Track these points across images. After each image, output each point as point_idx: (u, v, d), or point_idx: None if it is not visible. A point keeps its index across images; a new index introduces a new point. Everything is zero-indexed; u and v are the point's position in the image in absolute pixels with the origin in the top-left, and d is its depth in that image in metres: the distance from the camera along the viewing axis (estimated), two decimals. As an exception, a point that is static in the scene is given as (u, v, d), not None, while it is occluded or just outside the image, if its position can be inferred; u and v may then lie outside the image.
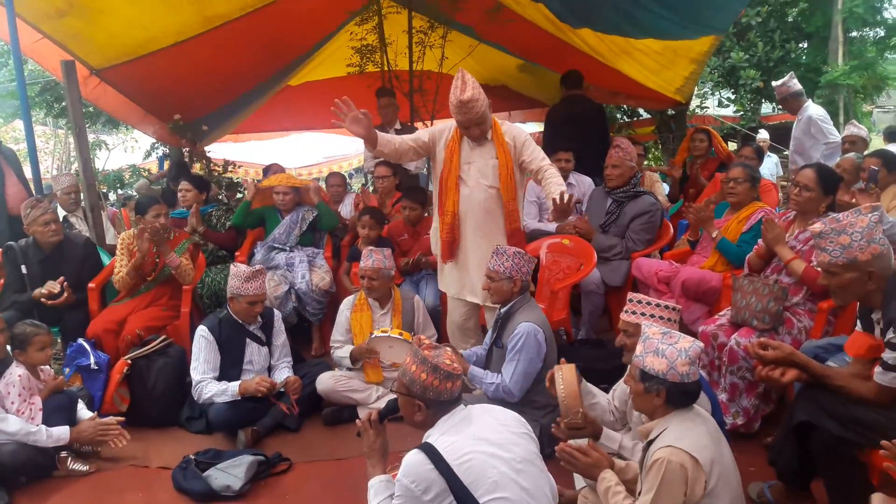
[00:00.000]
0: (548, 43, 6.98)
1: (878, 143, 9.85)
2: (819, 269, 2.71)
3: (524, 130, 3.91)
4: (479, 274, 3.89)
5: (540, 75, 8.11)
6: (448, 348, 2.48)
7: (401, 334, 3.88)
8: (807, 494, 2.90)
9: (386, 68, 7.23)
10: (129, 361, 4.07)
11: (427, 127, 7.29)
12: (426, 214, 5.19)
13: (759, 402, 3.58)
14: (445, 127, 4.04)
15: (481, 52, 7.58)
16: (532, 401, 3.44)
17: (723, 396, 3.56)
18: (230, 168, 7.79)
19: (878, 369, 2.51)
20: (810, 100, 6.16)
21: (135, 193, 8.17)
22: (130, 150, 13.95)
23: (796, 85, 6.16)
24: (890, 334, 2.44)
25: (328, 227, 5.54)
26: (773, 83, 6.37)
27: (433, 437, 2.26)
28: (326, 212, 5.50)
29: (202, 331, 4.01)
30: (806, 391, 2.74)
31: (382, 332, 3.93)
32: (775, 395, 3.70)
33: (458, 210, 3.95)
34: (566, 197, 3.54)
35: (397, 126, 6.38)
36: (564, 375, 2.90)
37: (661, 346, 2.37)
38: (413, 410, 2.36)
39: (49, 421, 3.49)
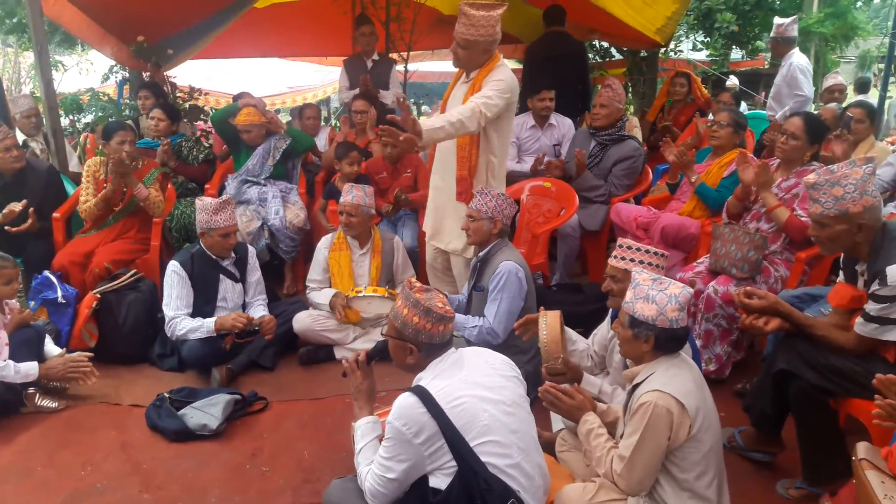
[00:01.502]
0: (531, -27, 6.79)
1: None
2: (810, 219, 2.71)
3: (505, 74, 3.61)
4: (434, 214, 3.90)
5: (516, 10, 7.88)
6: (439, 292, 2.45)
7: (374, 291, 3.83)
8: (776, 440, 2.99)
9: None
10: (98, 296, 3.96)
11: (402, 60, 7.13)
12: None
13: (731, 350, 3.66)
14: None
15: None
16: (513, 346, 3.43)
17: (697, 343, 3.62)
18: (196, 95, 7.48)
19: (859, 320, 2.56)
20: (797, 48, 6.14)
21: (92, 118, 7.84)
22: (85, 73, 13.33)
23: (794, 31, 6.13)
24: (875, 286, 2.47)
25: (304, 148, 5.41)
26: (776, 20, 6.28)
27: (425, 380, 2.24)
28: (297, 134, 5.36)
29: (174, 266, 3.90)
30: (786, 340, 2.78)
31: (357, 292, 3.89)
32: (746, 343, 3.79)
33: (436, 147, 3.90)
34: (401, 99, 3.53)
35: (375, 57, 6.18)
36: (548, 321, 2.90)
37: (652, 293, 2.36)
38: (404, 354, 2.33)
39: (15, 356, 3.38)
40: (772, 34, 6.38)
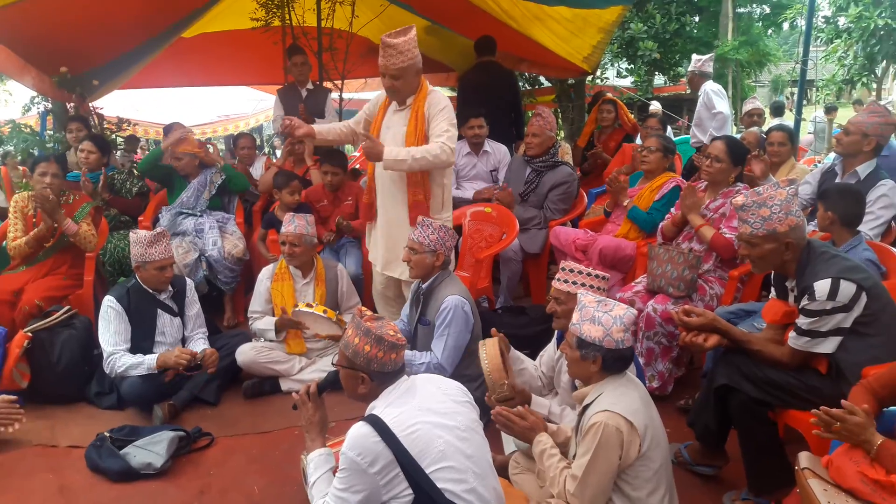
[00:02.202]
0: (460, 6, 6.91)
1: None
2: (740, 240, 2.85)
3: (445, 101, 3.77)
4: (385, 243, 3.93)
5: (447, 39, 8.03)
6: (389, 321, 2.45)
7: (325, 311, 3.80)
8: (720, 453, 3.09)
9: (292, 23, 6.94)
10: (30, 334, 3.79)
11: (337, 88, 7.14)
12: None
13: (672, 367, 3.78)
14: (380, 95, 3.98)
15: (391, 12, 7.42)
16: (462, 375, 3.44)
17: (640, 361, 3.72)
18: (125, 126, 7.31)
19: (792, 334, 2.70)
20: (710, 80, 6.53)
21: (11, 149, 7.54)
22: (5, 104, 12.85)
23: (710, 67, 6.58)
24: (804, 301, 2.61)
25: (239, 188, 5.33)
26: (694, 56, 6.66)
27: (378, 408, 2.24)
28: (233, 174, 5.28)
29: (110, 301, 3.78)
30: (725, 356, 2.89)
31: (307, 306, 3.84)
32: (686, 360, 3.92)
33: (374, 173, 3.93)
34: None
35: (309, 86, 6.18)
36: (488, 350, 2.94)
37: (597, 314, 2.43)
38: (356, 383, 2.32)
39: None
40: (689, 68, 6.76)
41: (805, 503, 2.04)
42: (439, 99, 3.78)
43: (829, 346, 2.60)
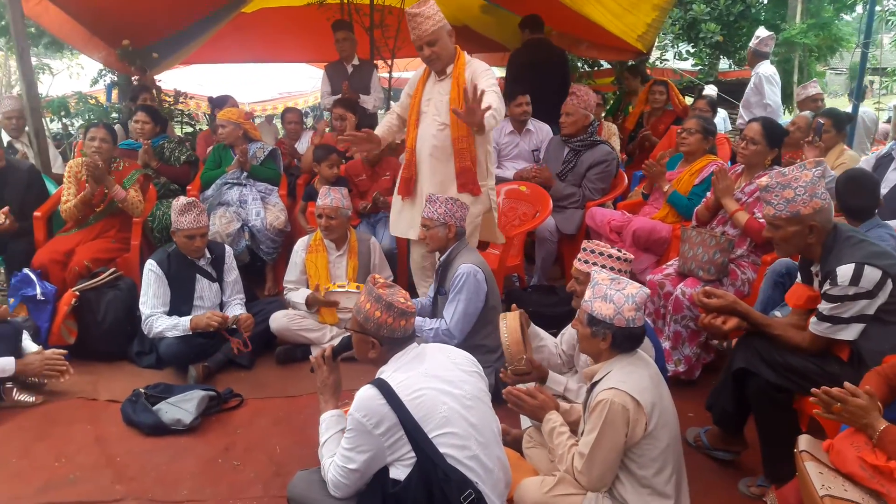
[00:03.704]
0: (513, -18, 6.88)
1: (829, 104, 10.04)
2: (764, 221, 2.79)
3: (485, 65, 3.79)
4: None
5: (502, 18, 8.00)
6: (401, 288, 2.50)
7: (357, 287, 3.87)
8: (738, 438, 3.05)
9: (346, 1, 7.02)
10: (78, 293, 3.99)
11: (387, 64, 7.20)
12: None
13: (700, 351, 3.72)
14: (417, 72, 4.02)
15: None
16: (481, 345, 3.49)
17: (666, 344, 3.69)
18: (181, 99, 7.54)
19: (813, 319, 2.63)
20: (767, 61, 6.32)
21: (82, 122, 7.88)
22: (76, 77, 13.35)
23: (768, 47, 6.38)
24: (826, 286, 2.55)
25: (261, 177, 5.33)
26: (756, 32, 6.47)
27: (386, 373, 2.30)
28: (258, 170, 5.30)
29: (150, 265, 3.95)
30: (745, 339, 2.84)
31: (340, 286, 3.93)
32: (716, 345, 3.85)
33: (415, 146, 3.94)
34: (478, 93, 3.39)
35: (355, 62, 6.25)
36: (508, 323, 2.94)
37: (609, 292, 2.42)
38: (367, 348, 2.39)
39: (-8, 351, 3.42)
40: (751, 44, 6.55)
41: (801, 487, 2.01)
42: (478, 64, 3.83)
43: (851, 332, 2.53)
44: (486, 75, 3.74)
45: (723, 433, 3.07)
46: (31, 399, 3.53)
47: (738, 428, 3.01)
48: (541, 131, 5.55)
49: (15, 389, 3.52)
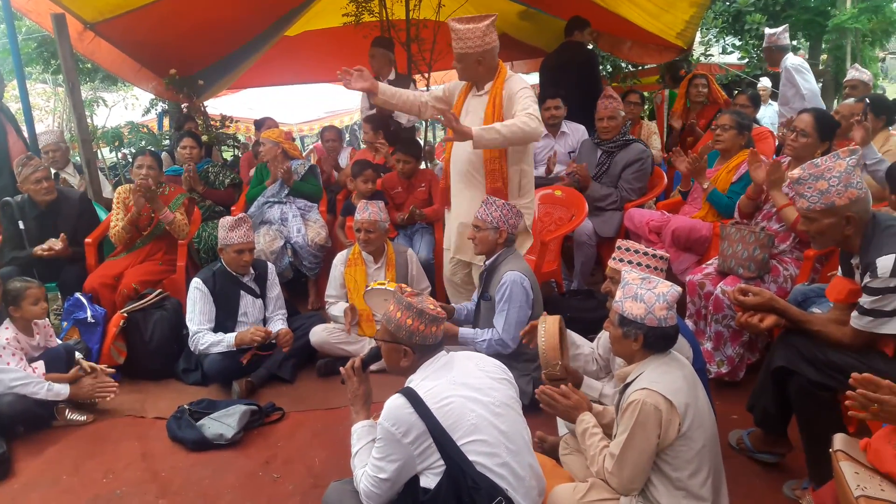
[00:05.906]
0: (549, -14, 6.87)
1: (891, 90, 9.63)
2: (799, 214, 2.69)
3: (525, 83, 3.73)
4: (458, 227, 3.92)
5: (541, 22, 7.96)
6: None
7: (398, 287, 3.88)
8: (782, 440, 2.95)
9: (381, 17, 7.09)
10: (126, 315, 4.14)
11: (424, 77, 7.24)
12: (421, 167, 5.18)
13: (743, 351, 3.61)
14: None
15: (482, -2, 7.44)
16: (521, 353, 3.47)
17: (708, 345, 3.60)
18: (228, 123, 7.76)
19: (854, 313, 2.52)
20: (791, 53, 6.14)
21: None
22: (131, 108, 13.83)
23: (786, 39, 6.21)
24: (867, 278, 2.44)
25: (303, 192, 5.45)
26: (767, 30, 6.31)
27: (414, 381, 2.31)
28: (300, 185, 5.42)
29: (196, 283, 4.07)
30: (784, 337, 2.75)
31: (379, 284, 3.96)
32: (761, 345, 3.72)
33: (450, 158, 3.95)
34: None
35: (391, 77, 6.30)
36: (547, 328, 2.91)
37: (640, 292, 2.38)
38: (398, 356, 2.40)
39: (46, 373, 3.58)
40: (764, 44, 6.38)
41: (837, 487, 1.93)
42: (516, 82, 3.74)
43: (894, 326, 2.42)
44: (522, 95, 3.64)
45: (766, 435, 2.98)
46: (82, 418, 3.67)
47: (782, 429, 2.91)
48: (576, 132, 5.49)
49: (67, 410, 3.65)
